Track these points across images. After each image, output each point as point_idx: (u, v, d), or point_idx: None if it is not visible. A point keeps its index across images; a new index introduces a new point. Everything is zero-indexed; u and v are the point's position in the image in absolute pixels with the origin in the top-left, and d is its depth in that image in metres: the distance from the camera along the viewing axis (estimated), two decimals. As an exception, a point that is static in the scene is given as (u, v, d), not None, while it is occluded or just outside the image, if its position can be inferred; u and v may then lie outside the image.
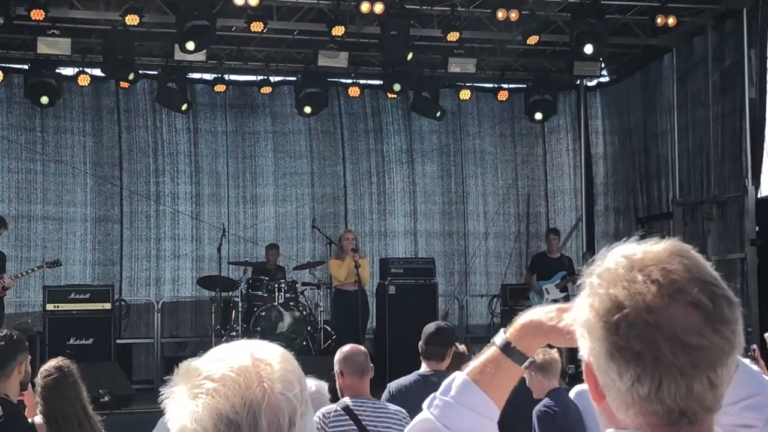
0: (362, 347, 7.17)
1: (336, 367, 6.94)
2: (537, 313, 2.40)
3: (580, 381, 9.63)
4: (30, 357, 6.40)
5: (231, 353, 1.94)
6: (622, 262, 1.82)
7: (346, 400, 6.74)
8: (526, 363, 2.41)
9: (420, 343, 7.84)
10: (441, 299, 17.71)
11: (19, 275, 14.81)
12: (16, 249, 16.95)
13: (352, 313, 14.95)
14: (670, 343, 1.74)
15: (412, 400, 7.15)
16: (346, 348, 7.06)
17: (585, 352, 1.85)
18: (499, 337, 2.43)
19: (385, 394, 7.63)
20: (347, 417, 6.60)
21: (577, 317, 1.88)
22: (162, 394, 1.91)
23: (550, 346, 2.51)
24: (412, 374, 7.82)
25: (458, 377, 2.41)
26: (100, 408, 7.42)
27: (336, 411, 6.62)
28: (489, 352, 2.43)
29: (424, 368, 7.80)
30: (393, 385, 7.75)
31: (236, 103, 18.85)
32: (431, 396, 2.42)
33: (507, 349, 2.40)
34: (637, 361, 1.75)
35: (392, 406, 6.86)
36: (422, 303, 16.12)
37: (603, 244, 17.58)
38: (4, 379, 6.23)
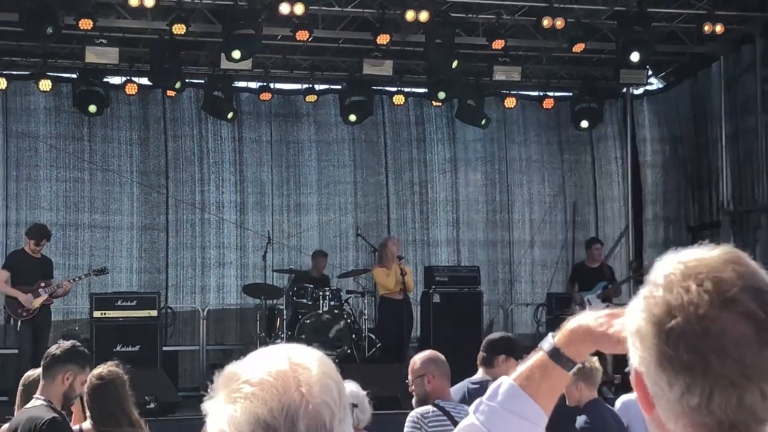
0: None
1: (421, 371, 6.96)
2: (586, 319, 2.38)
3: (627, 391, 9.60)
4: (82, 377, 6.34)
5: (269, 357, 1.95)
6: (677, 270, 1.77)
7: (439, 402, 6.77)
8: (574, 369, 2.40)
9: (481, 349, 7.90)
10: (486, 308, 17.68)
11: (76, 279, 14.97)
12: (63, 257, 17.11)
13: (397, 321, 14.97)
14: (720, 354, 1.69)
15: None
16: (429, 353, 7.14)
17: (635, 361, 1.81)
18: (547, 343, 2.41)
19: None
20: (445, 417, 6.64)
21: (629, 324, 1.84)
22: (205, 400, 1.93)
23: (599, 353, 2.49)
24: (463, 382, 7.84)
25: (505, 382, 2.40)
26: (146, 415, 7.46)
27: (434, 411, 6.67)
28: (536, 357, 2.41)
29: (479, 375, 7.83)
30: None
31: (281, 112, 18.91)
32: (477, 401, 2.42)
33: (555, 354, 2.38)
34: (687, 371, 1.71)
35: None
36: (467, 312, 16.12)
37: (651, 253, 17.57)
38: (49, 381, 6.27)
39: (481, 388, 7.56)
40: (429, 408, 6.67)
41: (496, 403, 2.37)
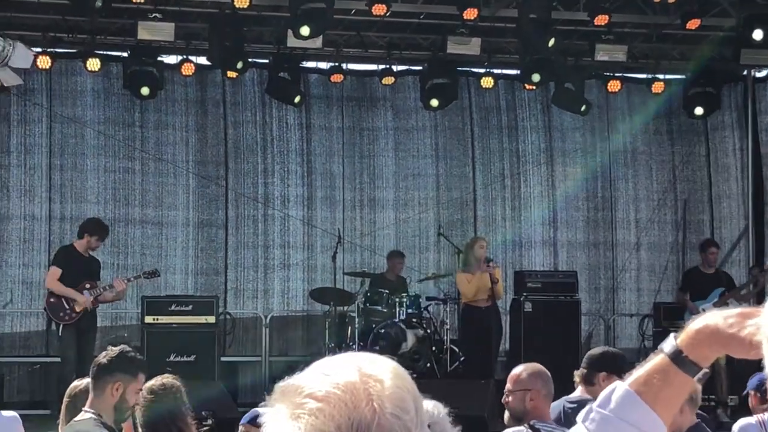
0: None
1: (526, 384, 6.97)
2: (714, 318, 2.34)
3: (744, 414, 9.49)
4: (135, 386, 6.35)
5: (336, 368, 1.94)
6: None
7: (535, 423, 6.78)
8: (699, 375, 2.36)
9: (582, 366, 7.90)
10: (584, 318, 17.59)
11: (131, 279, 15.11)
12: (112, 256, 17.28)
13: (483, 332, 14.94)
14: None
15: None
16: (535, 366, 7.15)
17: None
18: (669, 344, 2.38)
19: None
20: None
21: (764, 325, 1.82)
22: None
23: (729, 358, 2.45)
24: (559, 401, 7.84)
25: (619, 388, 2.37)
26: (203, 432, 7.54)
27: None
28: (655, 360, 2.38)
29: (577, 394, 7.83)
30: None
31: (354, 96, 18.96)
32: (587, 408, 2.40)
33: (677, 358, 2.35)
34: None
35: None
36: (562, 322, 16.05)
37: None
38: (98, 393, 6.32)
39: (580, 408, 7.54)
40: (521, 429, 6.67)
41: (609, 411, 2.35)
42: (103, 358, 6.41)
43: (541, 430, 6.73)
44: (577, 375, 7.96)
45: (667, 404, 2.36)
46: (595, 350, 8.23)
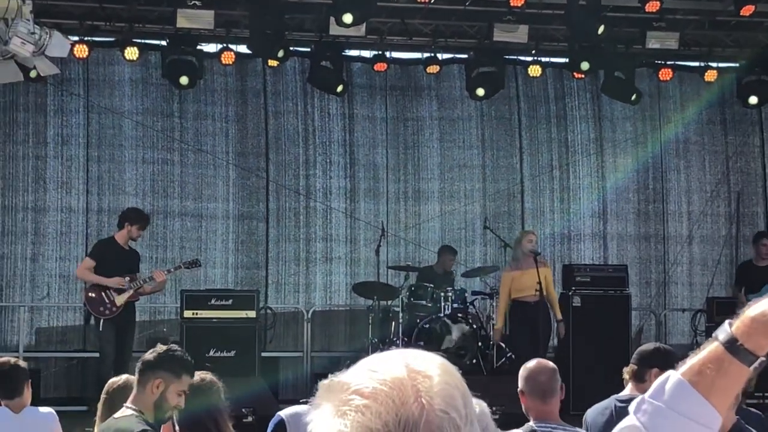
0: (550, 364, 7.15)
1: (519, 386, 6.97)
2: None
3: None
4: (178, 386, 6.35)
5: (383, 364, 1.94)
6: None
7: (532, 424, 6.75)
8: (756, 364, 2.32)
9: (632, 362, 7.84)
10: (635, 313, 17.52)
11: (172, 270, 15.17)
12: (150, 249, 17.37)
13: (531, 327, 14.89)
14: None
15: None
16: (531, 364, 7.07)
17: None
18: (723, 332, 2.35)
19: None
20: None
21: None
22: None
23: None
24: (609, 399, 7.78)
25: (672, 377, 2.34)
26: (243, 429, 7.56)
27: None
28: (709, 348, 2.35)
29: (627, 392, 7.77)
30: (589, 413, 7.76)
31: (398, 85, 18.97)
32: (639, 399, 2.37)
33: (732, 346, 2.32)
34: None
35: None
36: (612, 317, 15.99)
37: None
38: (140, 389, 6.34)
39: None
40: None
41: (662, 402, 2.32)
42: (149, 354, 6.43)
43: (536, 430, 6.69)
44: (627, 372, 7.89)
45: (723, 395, 2.32)
46: (647, 346, 8.17)
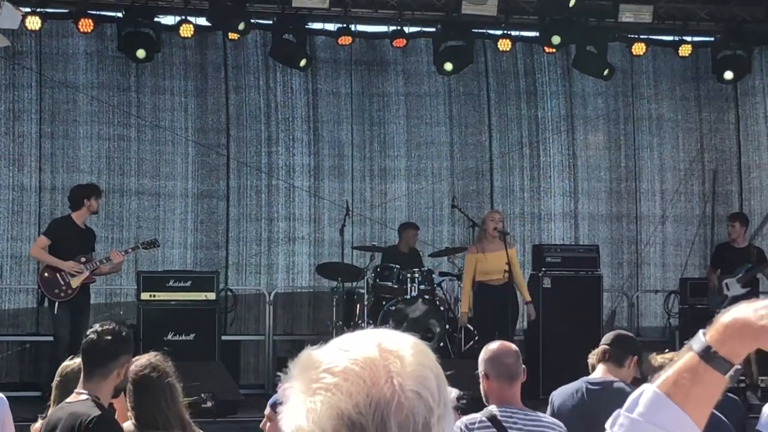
0: (513, 346, 7.16)
1: (480, 368, 6.94)
2: (744, 311, 2.33)
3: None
4: (132, 359, 6.43)
5: (355, 343, 1.96)
6: None
7: (493, 408, 6.75)
8: (732, 371, 2.34)
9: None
10: (606, 295, 17.61)
11: (129, 250, 15.15)
12: (106, 229, 17.30)
13: (498, 309, 14.94)
14: None
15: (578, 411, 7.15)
16: (494, 346, 7.06)
17: None
18: (698, 341, 2.36)
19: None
20: (494, 429, 6.62)
21: None
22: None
23: (761, 351, 2.43)
24: (579, 381, 7.81)
25: (647, 390, 2.36)
26: (202, 415, 7.54)
27: (481, 421, 6.64)
28: (684, 359, 2.37)
29: (598, 375, 7.79)
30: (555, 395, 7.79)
31: (363, 59, 18.95)
32: (615, 413, 2.39)
33: (707, 355, 2.33)
34: None
35: (547, 418, 6.86)
36: (583, 299, 16.06)
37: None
38: (100, 380, 6.32)
39: (604, 390, 7.52)
40: (476, 417, 6.65)
41: (638, 415, 2.34)
42: (103, 342, 6.38)
43: (497, 416, 6.70)
44: (595, 354, 7.90)
45: (699, 404, 2.34)
46: (624, 333, 8.22)
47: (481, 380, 6.94)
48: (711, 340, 2.34)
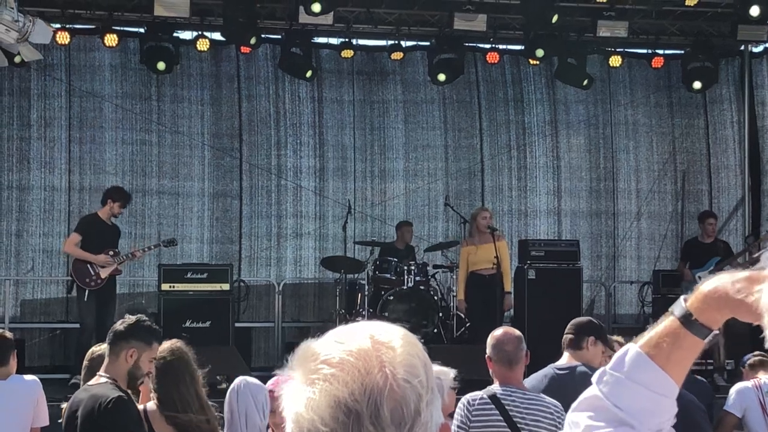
0: (516, 333, 7.19)
1: (487, 352, 7.03)
2: (723, 281, 2.29)
3: (740, 378, 9.50)
4: (149, 354, 6.35)
5: (350, 335, 1.97)
6: None
7: (494, 387, 6.80)
8: (710, 337, 2.32)
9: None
10: (586, 285, 17.62)
11: (146, 249, 15.19)
12: (129, 225, 17.29)
13: (488, 298, 14.93)
14: None
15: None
16: (498, 333, 7.14)
17: None
18: (679, 307, 2.33)
19: None
20: (493, 406, 6.67)
21: (765, 298, 1.79)
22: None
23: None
24: (547, 368, 7.83)
25: (631, 350, 2.34)
26: (218, 395, 7.55)
27: (482, 399, 6.69)
28: (666, 322, 2.34)
29: (564, 360, 7.81)
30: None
31: (364, 70, 18.93)
32: (600, 370, 2.36)
33: (687, 321, 2.31)
34: None
35: (547, 399, 6.88)
36: (565, 289, 16.04)
37: (769, 226, 17.10)
38: (113, 359, 6.34)
39: (570, 374, 7.55)
40: (478, 395, 6.71)
41: (622, 373, 2.31)
42: (120, 325, 6.43)
43: (497, 394, 6.75)
44: (564, 341, 7.93)
45: (679, 365, 2.32)
46: (581, 318, 8.29)
47: (488, 364, 7.03)
48: (691, 307, 2.31)
